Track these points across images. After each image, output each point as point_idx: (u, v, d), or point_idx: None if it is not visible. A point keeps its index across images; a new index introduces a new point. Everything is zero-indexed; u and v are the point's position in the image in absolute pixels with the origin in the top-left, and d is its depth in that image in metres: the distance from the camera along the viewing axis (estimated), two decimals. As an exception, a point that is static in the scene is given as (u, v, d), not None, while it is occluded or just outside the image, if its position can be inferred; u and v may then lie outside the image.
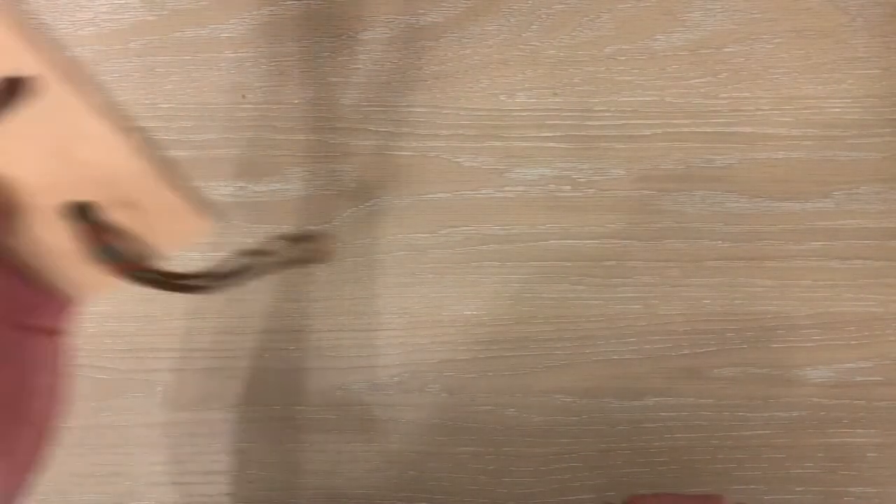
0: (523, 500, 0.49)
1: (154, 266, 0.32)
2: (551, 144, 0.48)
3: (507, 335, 0.50)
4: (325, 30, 0.48)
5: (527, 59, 0.48)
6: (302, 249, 0.33)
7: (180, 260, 0.33)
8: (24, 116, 0.29)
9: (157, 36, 0.48)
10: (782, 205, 0.49)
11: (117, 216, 0.31)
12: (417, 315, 0.49)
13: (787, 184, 0.49)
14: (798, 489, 0.48)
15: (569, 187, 0.48)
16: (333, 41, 0.48)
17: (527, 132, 0.48)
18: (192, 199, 0.32)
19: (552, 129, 0.48)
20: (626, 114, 0.48)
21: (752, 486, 0.48)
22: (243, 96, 0.48)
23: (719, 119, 0.48)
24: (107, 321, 0.49)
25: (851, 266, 0.49)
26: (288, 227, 0.49)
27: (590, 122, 0.48)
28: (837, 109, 0.49)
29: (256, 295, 0.48)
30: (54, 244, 0.32)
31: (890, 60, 0.49)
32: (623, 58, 0.48)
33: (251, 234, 0.49)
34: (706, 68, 0.48)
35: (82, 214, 0.31)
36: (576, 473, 0.49)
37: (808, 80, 0.48)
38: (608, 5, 0.48)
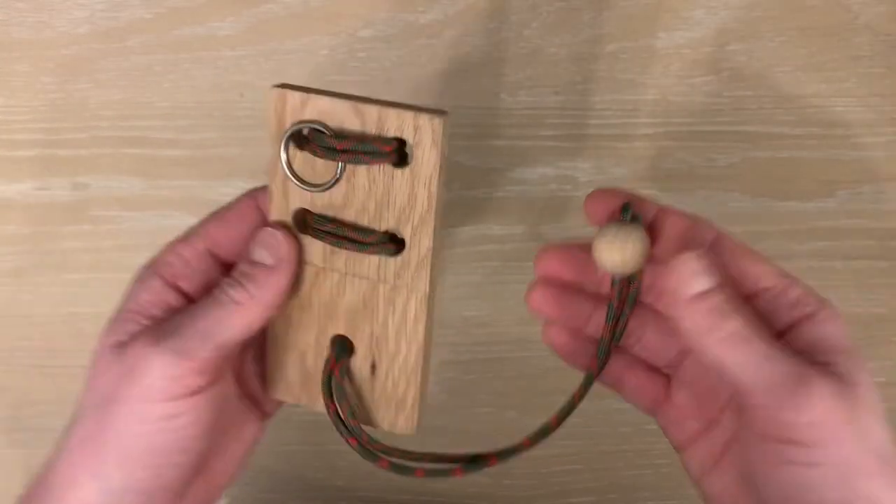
0: (524, 502, 0.48)
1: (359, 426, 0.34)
2: (552, 143, 0.48)
3: (508, 336, 0.50)
4: (324, 28, 0.48)
5: (527, 58, 0.48)
6: None
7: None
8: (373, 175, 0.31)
9: (155, 34, 0.48)
10: (785, 204, 0.48)
11: (359, 366, 0.34)
12: (417, 315, 0.48)
13: (790, 183, 0.48)
14: (801, 491, 0.48)
15: (570, 186, 0.48)
16: (332, 39, 0.48)
17: (528, 131, 0.48)
18: (417, 405, 0.34)
19: (553, 127, 0.48)
20: (627, 112, 0.48)
21: (755, 488, 0.48)
22: (241, 95, 0.48)
23: (721, 118, 0.48)
24: (105, 322, 0.49)
25: (855, 266, 0.48)
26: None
27: (591, 121, 0.48)
28: (840, 108, 0.48)
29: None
30: (301, 348, 0.34)
31: (893, 59, 0.48)
32: (624, 56, 0.48)
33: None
34: (708, 66, 0.48)
35: (341, 347, 0.34)
36: (577, 475, 0.48)
37: (810, 79, 0.48)
38: (610, 3, 0.48)
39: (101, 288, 0.49)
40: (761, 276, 0.30)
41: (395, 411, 0.34)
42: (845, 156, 0.48)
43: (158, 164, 0.48)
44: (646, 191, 0.48)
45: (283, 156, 0.31)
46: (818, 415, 0.27)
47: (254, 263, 0.30)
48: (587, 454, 0.48)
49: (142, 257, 0.48)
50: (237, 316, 0.30)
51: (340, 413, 0.33)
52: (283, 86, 0.31)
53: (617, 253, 0.30)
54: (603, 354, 0.33)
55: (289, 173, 0.31)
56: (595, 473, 0.48)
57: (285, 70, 0.48)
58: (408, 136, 0.29)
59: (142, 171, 0.48)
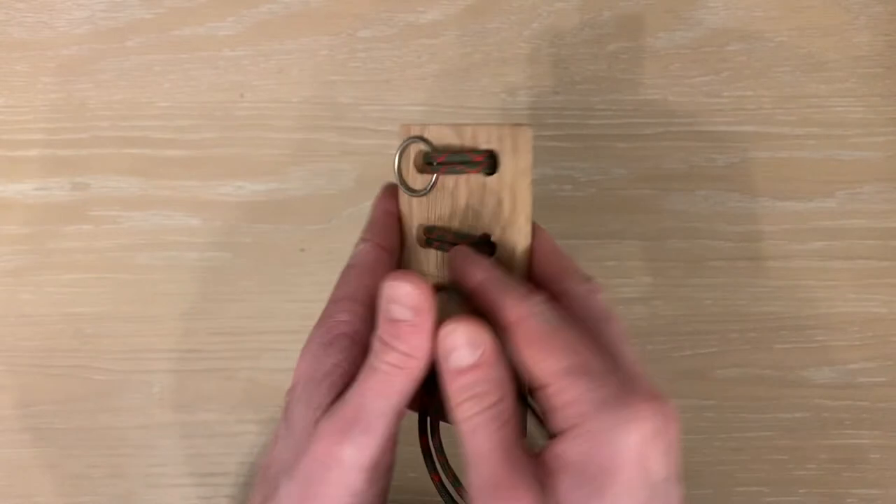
0: (524, 502, 0.48)
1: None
2: (552, 143, 0.48)
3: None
4: (324, 28, 0.48)
5: (528, 58, 0.48)
6: None
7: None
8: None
9: (155, 34, 0.48)
10: (785, 204, 0.48)
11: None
12: (417, 315, 0.48)
13: (790, 183, 0.48)
14: (801, 491, 0.48)
15: (570, 186, 0.48)
16: (332, 39, 0.48)
17: (527, 131, 0.48)
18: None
19: (553, 127, 0.48)
20: (627, 112, 0.48)
21: (755, 488, 0.48)
22: (241, 95, 0.48)
23: (721, 118, 0.48)
24: (105, 322, 0.49)
25: (854, 266, 0.48)
26: (288, 227, 0.48)
27: (591, 121, 0.48)
28: (840, 108, 0.48)
29: (254, 295, 0.48)
30: None
31: (893, 59, 0.48)
32: (625, 56, 0.48)
33: (250, 234, 0.48)
34: (708, 67, 0.48)
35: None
36: (577, 475, 0.48)
37: (810, 79, 0.48)
38: (610, 3, 0.48)
39: (101, 288, 0.49)
40: (540, 374, 0.28)
41: None
42: (845, 156, 0.48)
43: (158, 164, 0.48)
44: (646, 191, 0.48)
45: (396, 163, 0.34)
46: None
47: (394, 322, 0.29)
48: (587, 454, 0.48)
49: (142, 257, 0.49)
50: (401, 380, 0.29)
51: (431, 446, 0.33)
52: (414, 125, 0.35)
53: None
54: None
55: (397, 178, 0.34)
56: (595, 473, 0.48)
57: (285, 70, 0.48)
58: (495, 146, 0.33)
59: (142, 171, 0.48)
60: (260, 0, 0.48)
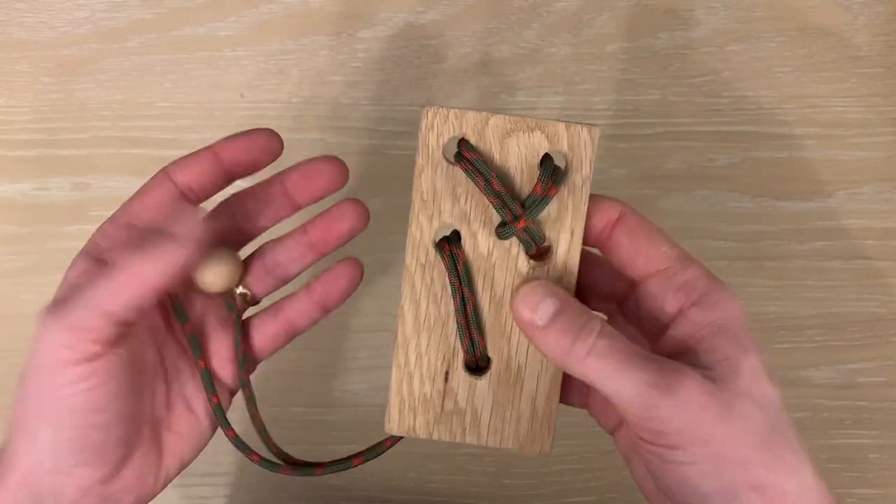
0: (524, 502, 0.48)
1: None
2: (552, 144, 0.48)
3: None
4: (324, 28, 0.48)
5: (528, 58, 0.48)
6: None
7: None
8: None
9: (155, 34, 0.48)
10: (784, 204, 0.48)
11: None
12: (417, 315, 0.48)
13: (790, 183, 0.48)
14: (801, 491, 0.48)
15: (570, 187, 0.48)
16: (332, 39, 0.48)
17: (527, 131, 0.48)
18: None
19: (553, 128, 0.48)
20: (627, 112, 0.48)
21: (755, 488, 0.48)
22: (241, 95, 0.48)
23: (721, 118, 0.48)
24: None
25: (854, 266, 0.48)
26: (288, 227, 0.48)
27: (591, 121, 0.48)
28: (840, 108, 0.48)
29: (255, 295, 0.48)
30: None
31: (892, 59, 0.48)
32: (625, 56, 0.48)
33: (250, 234, 0.48)
34: (708, 67, 0.48)
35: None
36: (577, 475, 0.48)
37: (810, 79, 0.48)
38: (610, 3, 0.48)
39: (101, 288, 0.49)
40: (656, 258, 0.31)
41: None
42: (844, 156, 0.48)
43: (158, 164, 0.48)
44: (646, 191, 0.48)
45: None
46: (685, 420, 0.27)
47: (156, 232, 0.31)
48: (587, 454, 0.48)
49: (142, 257, 0.49)
50: (124, 283, 0.29)
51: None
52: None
53: (209, 275, 0.34)
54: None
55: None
56: (595, 473, 0.48)
57: (285, 70, 0.48)
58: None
59: (142, 171, 0.48)
60: (260, 0, 0.48)
